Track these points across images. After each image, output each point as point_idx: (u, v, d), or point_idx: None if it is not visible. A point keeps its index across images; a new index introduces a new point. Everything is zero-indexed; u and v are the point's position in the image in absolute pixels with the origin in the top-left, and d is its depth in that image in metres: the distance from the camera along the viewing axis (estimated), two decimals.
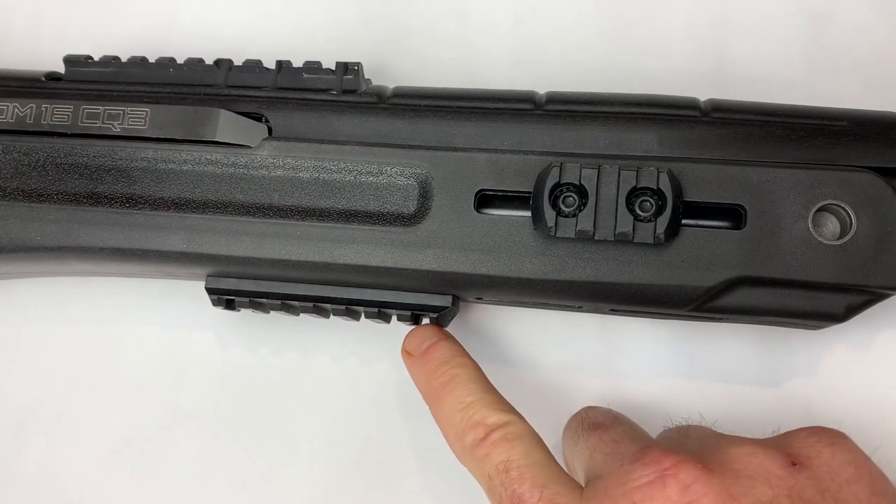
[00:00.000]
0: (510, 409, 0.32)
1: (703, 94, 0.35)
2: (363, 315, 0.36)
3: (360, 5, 0.43)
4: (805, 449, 0.29)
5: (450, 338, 0.35)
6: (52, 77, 0.38)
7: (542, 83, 0.37)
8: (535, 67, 0.42)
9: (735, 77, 0.40)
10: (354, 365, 0.40)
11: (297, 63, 0.37)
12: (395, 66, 0.42)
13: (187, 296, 0.40)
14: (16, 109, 0.37)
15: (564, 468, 0.31)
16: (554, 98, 0.35)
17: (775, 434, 0.32)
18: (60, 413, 0.41)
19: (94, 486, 0.40)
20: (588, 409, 0.35)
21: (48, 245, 0.36)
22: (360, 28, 0.43)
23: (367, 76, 0.38)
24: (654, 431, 0.35)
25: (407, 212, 0.34)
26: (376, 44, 0.43)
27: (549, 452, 0.31)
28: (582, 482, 0.31)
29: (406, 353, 0.36)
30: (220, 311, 0.38)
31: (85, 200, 0.36)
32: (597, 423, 0.33)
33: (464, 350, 0.35)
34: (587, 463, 0.32)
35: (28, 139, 0.36)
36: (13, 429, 0.41)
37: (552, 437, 0.37)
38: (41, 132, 0.36)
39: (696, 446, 0.30)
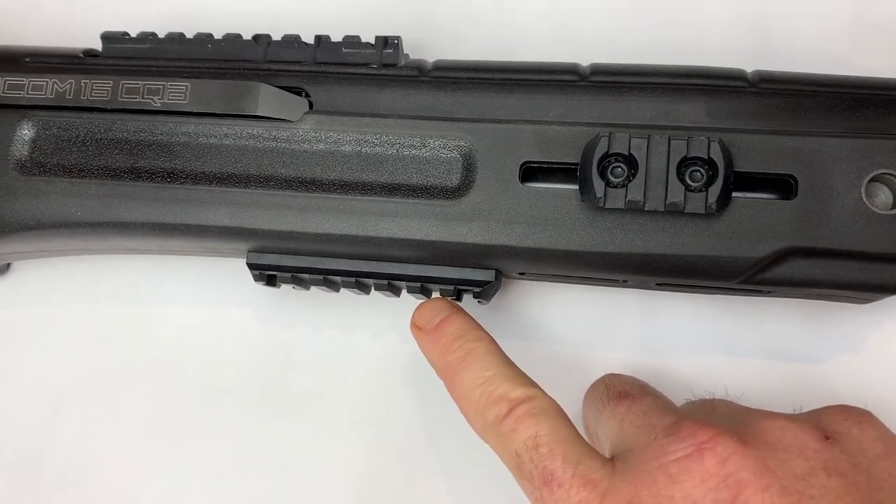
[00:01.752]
0: (532, 383, 0.31)
1: (743, 65, 0.35)
2: (405, 290, 0.36)
3: None
4: (835, 425, 0.29)
5: (462, 311, 0.34)
6: (90, 54, 0.38)
7: (578, 57, 0.37)
8: (571, 41, 0.41)
9: (777, 51, 0.40)
10: (394, 342, 0.40)
11: (336, 38, 0.37)
12: (431, 41, 0.42)
13: (225, 273, 0.40)
14: (55, 85, 0.37)
15: (586, 438, 0.30)
16: (599, 69, 0.34)
17: (797, 412, 0.31)
18: (97, 391, 0.41)
19: (131, 463, 0.40)
20: (612, 377, 0.34)
21: (89, 220, 0.36)
22: (396, 2, 0.43)
23: (404, 51, 0.38)
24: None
25: (451, 185, 0.34)
26: (412, 18, 0.43)
27: (575, 427, 0.30)
28: (606, 452, 0.31)
29: (416, 327, 0.34)
30: (258, 289, 0.38)
31: (125, 175, 0.36)
32: (623, 391, 0.33)
33: (478, 324, 0.34)
34: (616, 434, 0.31)
35: (68, 115, 0.36)
36: (51, 405, 0.41)
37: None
38: (80, 108, 0.36)
39: (725, 420, 0.30)
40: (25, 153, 0.36)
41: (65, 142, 0.36)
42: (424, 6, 0.43)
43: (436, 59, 0.36)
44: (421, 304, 0.35)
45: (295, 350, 0.40)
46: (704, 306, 0.38)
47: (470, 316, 0.34)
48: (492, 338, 0.33)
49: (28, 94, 0.37)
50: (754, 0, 0.41)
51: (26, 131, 0.36)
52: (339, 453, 0.39)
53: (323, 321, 0.40)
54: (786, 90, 0.33)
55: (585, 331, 0.39)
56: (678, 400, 0.34)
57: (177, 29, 0.43)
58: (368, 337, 0.40)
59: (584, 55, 0.39)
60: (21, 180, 0.36)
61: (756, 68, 0.35)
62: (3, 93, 0.37)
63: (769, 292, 0.33)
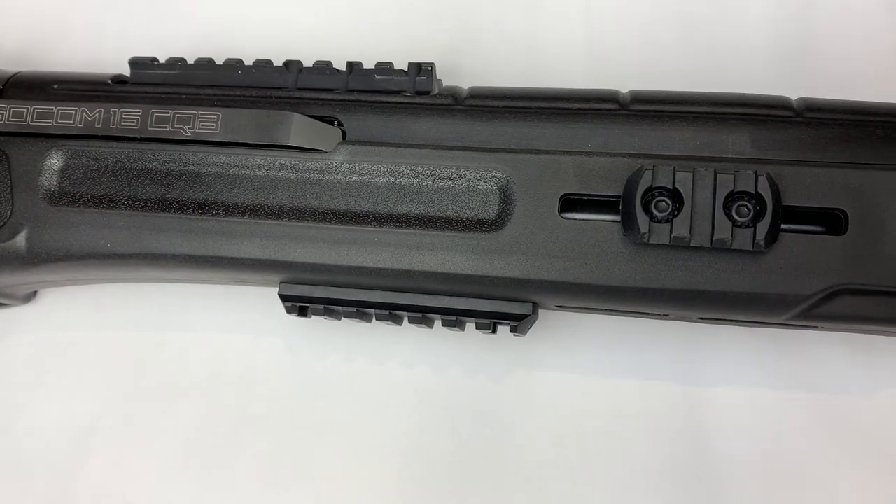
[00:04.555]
0: None
1: (785, 90, 0.34)
2: (439, 322, 0.35)
3: (427, 2, 0.42)
4: None
5: None
6: (118, 80, 0.38)
7: (615, 81, 0.36)
8: (607, 64, 0.40)
9: (818, 73, 0.39)
10: (425, 372, 0.39)
11: (368, 64, 0.36)
12: (463, 64, 0.41)
13: (255, 301, 0.40)
14: (84, 114, 0.36)
15: None
16: (639, 98, 0.33)
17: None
18: (127, 418, 0.40)
19: (160, 490, 0.39)
20: None
21: (119, 252, 0.35)
22: (429, 26, 0.42)
23: (437, 76, 0.37)
24: (732, 444, 0.34)
25: (487, 217, 0.33)
26: (445, 41, 0.42)
27: None
28: None
29: None
30: (287, 317, 0.37)
31: (156, 206, 0.35)
32: None
33: None
34: None
35: (97, 144, 0.36)
36: (80, 433, 0.40)
37: (627, 448, 0.37)
38: (110, 137, 0.36)
39: None
40: (55, 183, 0.36)
41: (94, 171, 0.36)
42: (456, 28, 0.42)
43: (470, 85, 0.36)
44: None
45: (326, 379, 0.39)
46: (746, 338, 0.37)
47: None
48: None
49: (57, 122, 0.36)
50: (795, 21, 0.40)
51: (55, 161, 0.36)
52: (369, 481, 0.38)
53: (353, 350, 0.39)
54: (833, 120, 0.32)
55: (622, 361, 0.38)
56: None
57: (206, 52, 0.42)
58: (399, 366, 0.39)
59: (621, 79, 0.38)
60: (50, 210, 0.36)
61: (797, 90, 0.34)
62: (32, 121, 0.36)
63: (817, 327, 0.33)
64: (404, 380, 0.39)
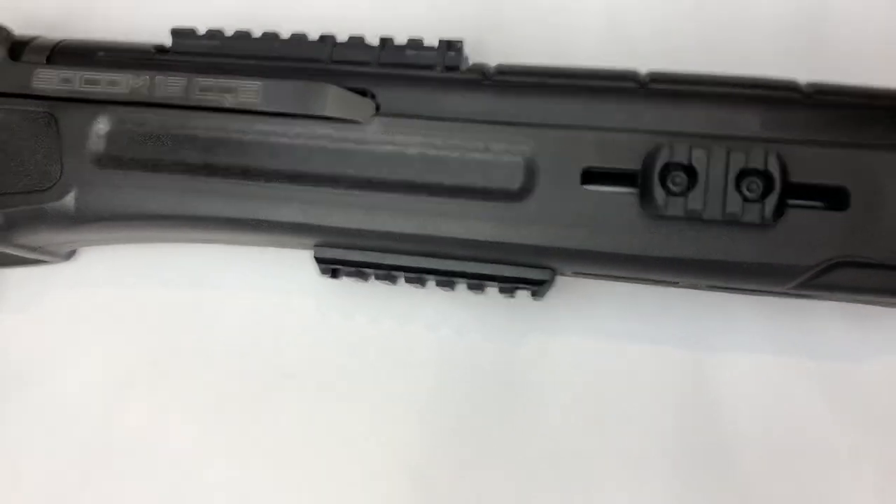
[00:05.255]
0: None
1: (797, 71, 0.36)
2: (463, 287, 0.37)
3: None
4: None
5: None
6: (161, 49, 0.40)
7: (633, 56, 0.38)
8: (627, 43, 0.42)
9: (831, 54, 0.40)
10: (447, 335, 0.41)
11: (398, 37, 0.38)
12: (488, 40, 0.43)
13: (287, 262, 0.42)
14: (130, 81, 0.38)
15: None
16: (657, 77, 0.35)
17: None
18: (162, 375, 0.43)
19: (196, 445, 0.42)
20: None
21: (164, 213, 0.37)
22: (454, 2, 0.44)
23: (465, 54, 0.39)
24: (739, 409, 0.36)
25: (512, 188, 0.35)
26: (468, 19, 0.44)
27: None
28: None
29: None
30: (317, 279, 0.39)
31: (200, 171, 0.37)
32: None
33: None
34: None
35: (143, 110, 0.38)
36: (117, 389, 0.43)
37: (638, 411, 0.39)
38: (155, 104, 0.38)
39: None
40: (102, 147, 0.38)
41: (140, 136, 0.38)
42: (482, 5, 0.44)
43: (497, 62, 0.38)
44: None
45: (353, 338, 0.42)
46: (754, 305, 0.39)
47: None
48: None
49: (104, 89, 0.38)
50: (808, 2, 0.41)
51: (102, 126, 0.38)
52: (395, 438, 0.40)
53: (381, 311, 0.42)
54: (840, 102, 0.34)
55: (634, 327, 0.40)
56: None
57: (239, 23, 0.44)
58: (423, 329, 0.41)
59: (640, 56, 0.40)
60: (98, 173, 0.38)
61: (810, 69, 0.36)
62: (80, 87, 0.38)
63: (818, 297, 0.35)
64: (427, 341, 0.41)
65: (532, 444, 0.39)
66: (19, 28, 0.41)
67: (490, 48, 0.43)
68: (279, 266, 0.42)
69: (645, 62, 0.37)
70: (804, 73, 0.36)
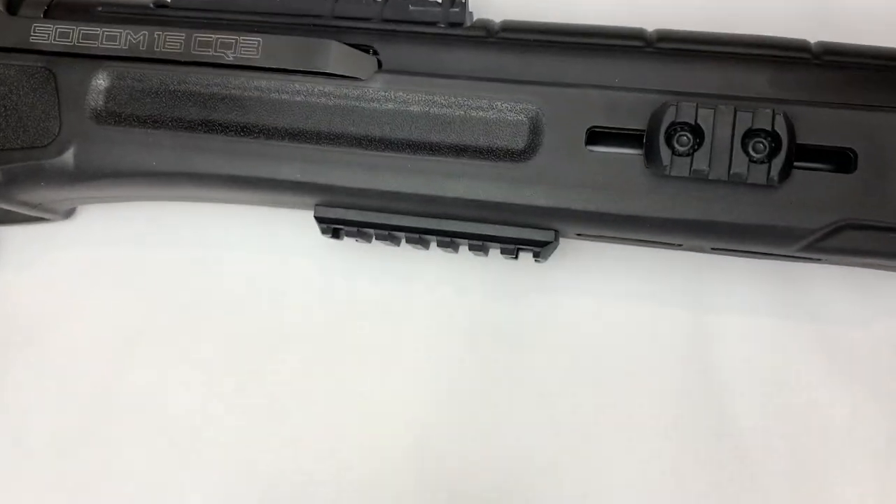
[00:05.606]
0: None
1: (807, 32, 0.35)
2: (465, 248, 0.37)
3: None
4: None
5: None
6: (160, 4, 0.39)
7: (640, 18, 0.37)
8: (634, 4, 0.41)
9: (840, 14, 0.40)
10: (448, 295, 0.41)
11: None
12: None
13: (288, 221, 0.42)
14: (129, 36, 0.37)
15: None
16: (665, 36, 0.35)
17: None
18: (164, 333, 0.43)
19: (199, 403, 0.42)
20: None
21: (164, 170, 0.37)
22: None
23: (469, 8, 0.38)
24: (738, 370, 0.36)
25: (517, 147, 0.35)
26: None
27: None
28: None
29: None
30: (319, 239, 0.39)
31: (199, 127, 0.37)
32: None
33: None
34: None
35: (141, 66, 0.37)
36: (122, 347, 0.43)
37: (638, 371, 0.39)
38: (154, 59, 0.37)
39: None
40: (101, 103, 0.37)
41: (139, 92, 0.37)
42: None
43: (502, 19, 0.37)
44: None
45: (354, 297, 0.42)
46: (754, 269, 0.39)
47: None
48: None
49: (102, 44, 0.37)
50: None
51: (101, 81, 0.37)
52: (397, 397, 0.40)
53: (381, 272, 0.41)
54: (849, 63, 0.33)
55: (635, 289, 0.40)
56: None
57: None
58: (423, 289, 0.41)
59: (647, 16, 0.39)
60: (97, 129, 0.37)
61: (821, 34, 0.35)
62: (78, 42, 0.38)
63: (822, 260, 0.35)
64: (428, 302, 0.41)
65: (531, 404, 0.39)
66: None
67: (494, 4, 0.42)
68: (280, 226, 0.42)
69: (651, 17, 0.37)
70: (814, 34, 0.35)
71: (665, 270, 0.40)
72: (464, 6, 0.37)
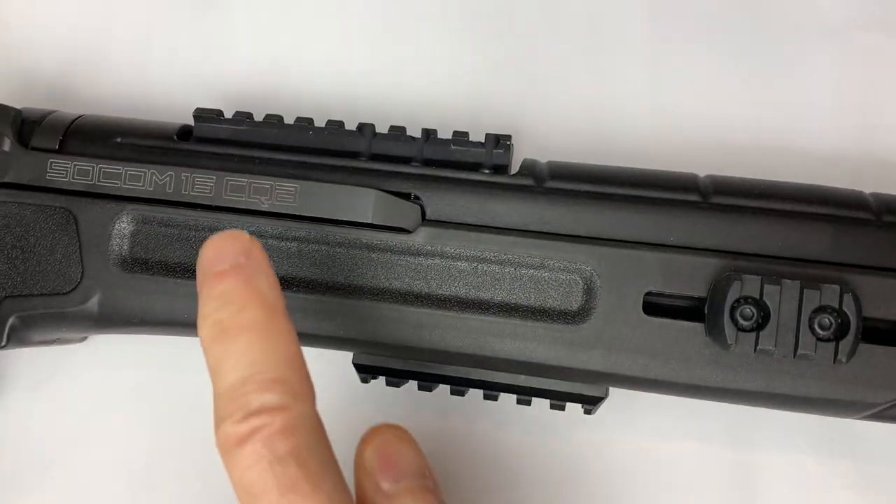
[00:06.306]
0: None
1: (852, 175, 0.35)
2: (513, 400, 0.36)
3: (484, 53, 0.42)
4: None
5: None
6: (184, 132, 0.37)
7: (681, 152, 0.37)
8: (674, 138, 0.40)
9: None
10: (486, 429, 0.40)
11: (434, 124, 0.36)
12: (524, 117, 0.41)
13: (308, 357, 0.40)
14: (154, 177, 0.35)
15: None
16: (720, 187, 0.34)
17: None
18: (183, 460, 0.41)
19: None
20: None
21: (195, 322, 0.35)
22: (488, 76, 0.42)
23: (497, 129, 0.37)
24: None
25: (571, 308, 0.33)
26: (505, 93, 0.42)
27: None
28: None
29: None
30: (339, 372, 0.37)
31: None
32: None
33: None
34: None
35: (169, 210, 0.35)
36: (137, 475, 0.41)
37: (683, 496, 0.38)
38: (182, 203, 0.35)
39: None
40: (126, 248, 0.35)
41: (167, 238, 0.35)
42: (522, 84, 0.42)
43: (548, 160, 0.36)
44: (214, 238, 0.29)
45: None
46: None
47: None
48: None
49: (125, 184, 0.35)
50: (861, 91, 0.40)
51: (125, 225, 0.35)
52: None
53: (415, 409, 0.40)
54: None
55: (675, 423, 0.39)
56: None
57: (255, 89, 0.41)
58: (462, 422, 0.40)
59: (688, 152, 0.38)
60: (123, 277, 0.35)
61: (867, 176, 0.35)
62: (99, 181, 0.35)
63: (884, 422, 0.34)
64: (467, 435, 0.40)
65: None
66: (20, 88, 0.38)
67: (527, 126, 0.41)
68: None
69: (692, 150, 0.36)
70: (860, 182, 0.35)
71: (704, 403, 0.39)
72: (508, 147, 0.35)
